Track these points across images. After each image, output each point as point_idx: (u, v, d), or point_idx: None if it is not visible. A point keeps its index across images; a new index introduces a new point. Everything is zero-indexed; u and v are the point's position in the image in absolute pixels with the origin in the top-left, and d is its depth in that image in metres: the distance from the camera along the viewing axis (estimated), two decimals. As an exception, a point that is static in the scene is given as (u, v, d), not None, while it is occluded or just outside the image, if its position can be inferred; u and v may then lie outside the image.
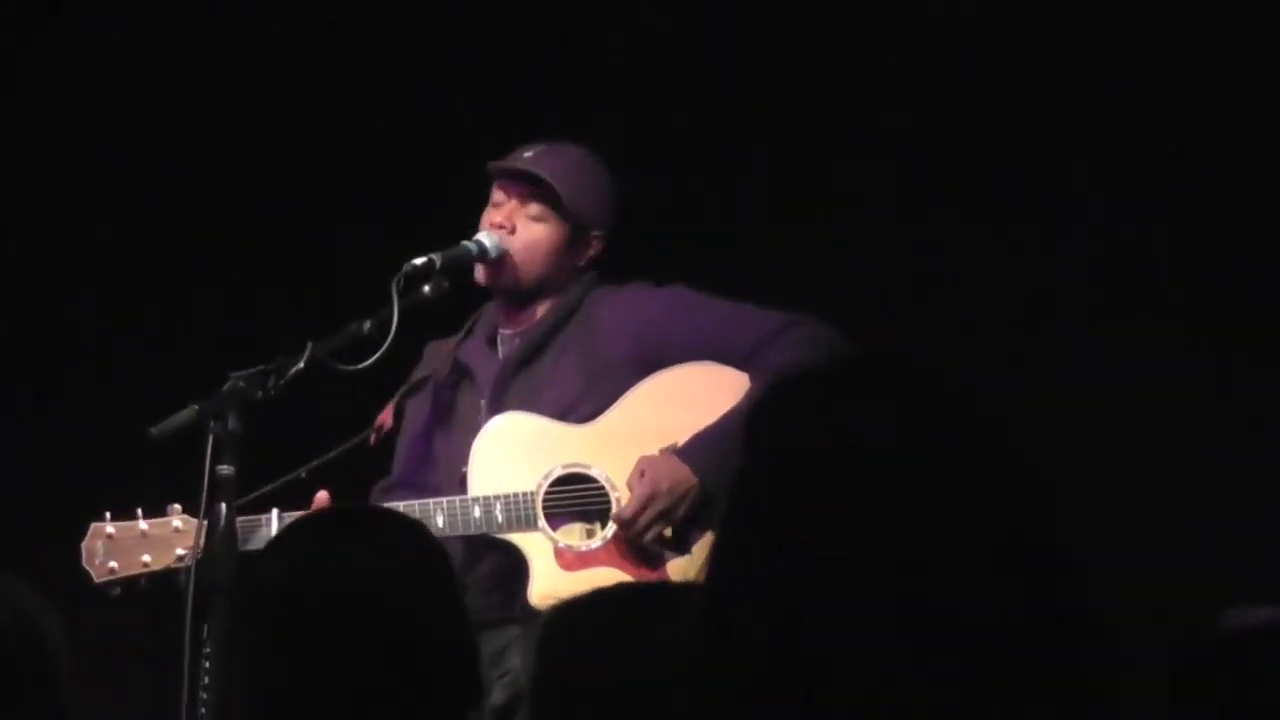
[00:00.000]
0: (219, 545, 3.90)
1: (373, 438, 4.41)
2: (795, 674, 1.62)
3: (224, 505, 3.92)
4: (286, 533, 3.03)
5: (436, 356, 4.47)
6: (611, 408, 4.27)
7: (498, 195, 4.39)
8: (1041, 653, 1.62)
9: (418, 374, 4.46)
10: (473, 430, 4.29)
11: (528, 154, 4.38)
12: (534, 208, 4.35)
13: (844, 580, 1.63)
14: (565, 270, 4.38)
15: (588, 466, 4.24)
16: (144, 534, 4.23)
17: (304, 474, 4.26)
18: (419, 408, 4.45)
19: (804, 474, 1.67)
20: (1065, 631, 1.64)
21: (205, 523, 3.92)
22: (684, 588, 2.69)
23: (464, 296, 4.38)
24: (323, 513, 3.18)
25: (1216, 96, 5.00)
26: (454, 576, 2.57)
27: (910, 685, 1.60)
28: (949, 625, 1.61)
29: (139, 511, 4.23)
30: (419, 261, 4.23)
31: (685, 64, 5.29)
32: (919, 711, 1.59)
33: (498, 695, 3.86)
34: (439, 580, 2.50)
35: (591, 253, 4.40)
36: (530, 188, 4.36)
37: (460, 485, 4.24)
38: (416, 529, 2.58)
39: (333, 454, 4.30)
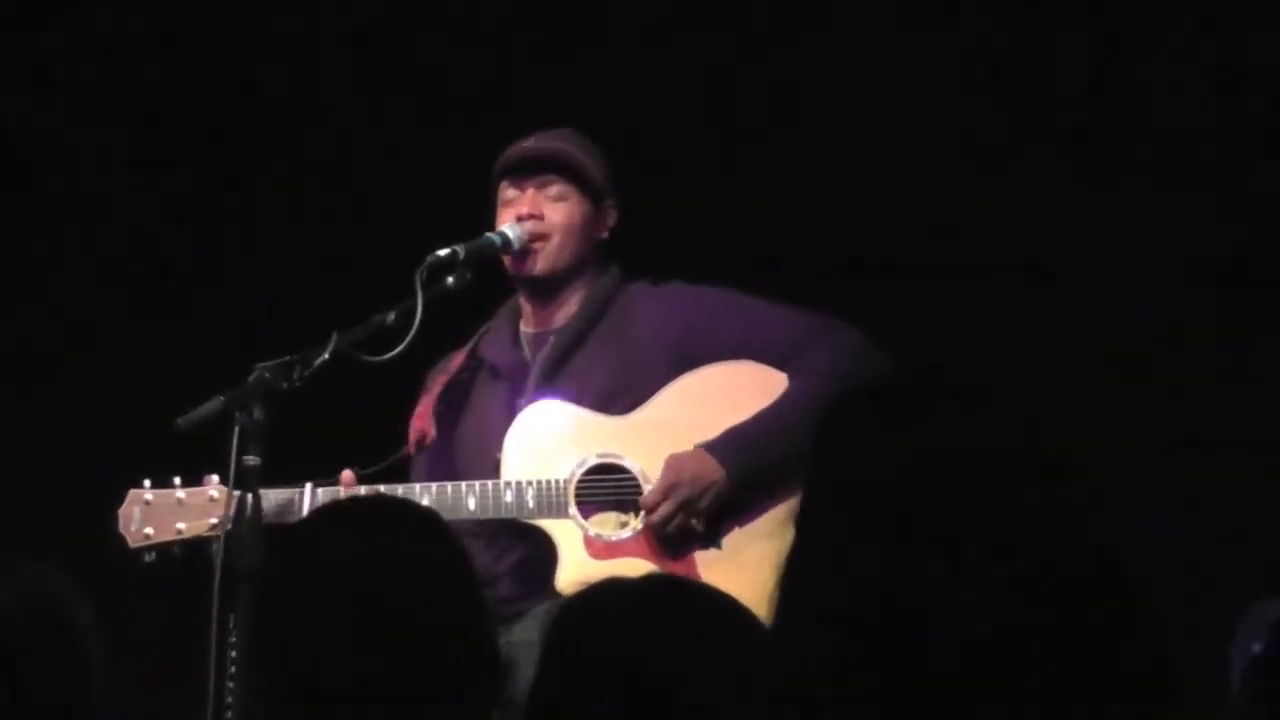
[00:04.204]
0: (245, 533, 3.93)
1: (412, 448, 4.42)
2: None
3: (250, 495, 3.96)
4: (309, 522, 3.05)
5: (447, 366, 4.49)
6: (648, 402, 4.29)
7: (508, 192, 4.40)
8: (1129, 664, 1.61)
9: (437, 384, 4.47)
10: (497, 422, 4.30)
11: (528, 144, 4.41)
12: (554, 189, 4.38)
13: (934, 604, 1.60)
14: (593, 248, 4.41)
15: (621, 457, 4.26)
16: (180, 501, 4.27)
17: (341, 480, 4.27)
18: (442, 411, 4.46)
19: (880, 493, 1.64)
20: (1151, 637, 1.63)
21: (233, 511, 3.96)
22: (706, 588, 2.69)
23: (486, 289, 4.41)
24: (345, 504, 3.21)
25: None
26: (473, 570, 2.60)
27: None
28: (1042, 646, 1.59)
29: (176, 480, 4.27)
30: (443, 253, 4.25)
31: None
32: None
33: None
34: (458, 572, 2.52)
35: (610, 224, 4.42)
36: (545, 172, 4.39)
37: (491, 470, 4.27)
38: (435, 521, 2.61)
39: (381, 465, 4.30)
